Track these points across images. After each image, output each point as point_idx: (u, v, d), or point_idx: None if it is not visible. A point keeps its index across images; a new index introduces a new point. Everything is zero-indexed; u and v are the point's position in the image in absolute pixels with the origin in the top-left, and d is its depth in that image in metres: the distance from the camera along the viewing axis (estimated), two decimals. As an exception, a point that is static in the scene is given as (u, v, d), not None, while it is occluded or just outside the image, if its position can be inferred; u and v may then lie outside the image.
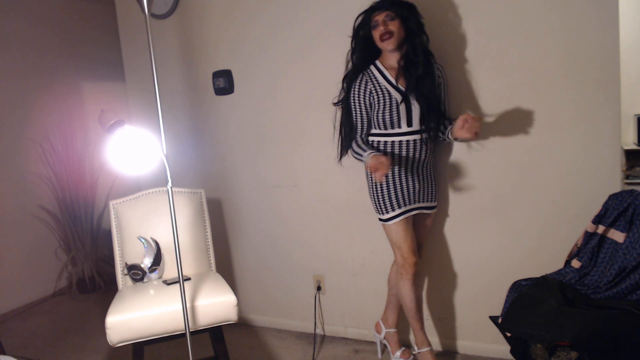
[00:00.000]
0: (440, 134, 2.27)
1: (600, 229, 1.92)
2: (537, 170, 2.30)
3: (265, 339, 2.96)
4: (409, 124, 2.18)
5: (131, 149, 1.86)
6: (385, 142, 2.21)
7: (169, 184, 1.89)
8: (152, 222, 2.47)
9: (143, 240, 2.43)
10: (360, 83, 2.20)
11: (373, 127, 2.25)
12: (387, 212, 2.23)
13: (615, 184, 2.16)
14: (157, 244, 2.45)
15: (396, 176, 2.22)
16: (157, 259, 2.44)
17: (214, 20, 2.92)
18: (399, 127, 2.18)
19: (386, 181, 2.22)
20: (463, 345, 2.58)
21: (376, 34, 2.13)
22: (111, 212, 2.51)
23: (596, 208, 2.00)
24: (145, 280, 2.43)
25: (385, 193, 2.23)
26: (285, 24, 2.73)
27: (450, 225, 2.51)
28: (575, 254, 2.01)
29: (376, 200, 2.25)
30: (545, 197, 2.30)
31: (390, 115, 2.17)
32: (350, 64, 2.29)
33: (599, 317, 1.65)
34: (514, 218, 2.37)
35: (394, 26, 2.09)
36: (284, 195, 2.90)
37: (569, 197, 2.26)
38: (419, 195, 2.25)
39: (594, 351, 1.57)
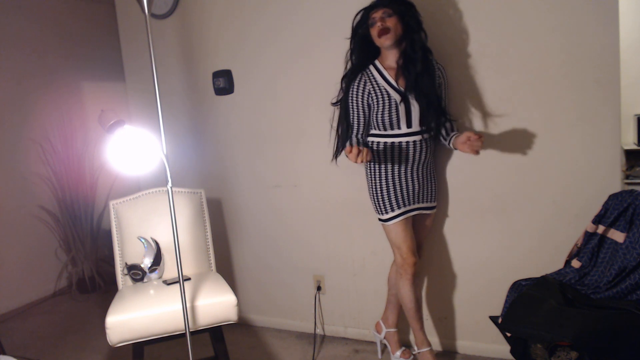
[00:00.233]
0: (442, 138, 2.27)
1: (600, 229, 1.92)
2: (537, 170, 2.30)
3: (265, 339, 2.96)
4: (409, 125, 2.18)
5: (131, 149, 1.86)
6: (385, 142, 2.21)
7: (169, 184, 1.89)
8: (152, 222, 2.47)
9: (143, 240, 2.43)
10: (358, 83, 2.20)
11: (372, 127, 2.24)
12: (387, 213, 2.23)
13: (615, 184, 2.16)
14: (157, 244, 2.45)
15: (396, 177, 2.22)
16: (157, 259, 2.44)
17: (214, 20, 2.92)
18: (399, 128, 2.18)
19: (386, 181, 2.22)
20: (463, 345, 2.58)
21: (374, 31, 2.13)
22: (111, 212, 2.51)
23: (596, 208, 2.00)
24: (145, 280, 2.43)
25: (385, 193, 2.23)
26: (285, 24, 2.73)
27: (450, 225, 2.51)
28: (575, 254, 2.01)
29: (376, 200, 2.25)
30: (545, 197, 2.30)
31: (389, 115, 2.16)
32: (349, 64, 2.28)
33: (599, 317, 1.65)
34: (514, 218, 2.37)
35: (391, 23, 2.09)
36: (284, 195, 2.90)
37: (569, 197, 2.26)
38: (418, 195, 2.25)
39: (594, 351, 1.57)
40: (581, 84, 2.17)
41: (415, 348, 2.36)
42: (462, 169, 2.43)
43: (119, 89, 3.73)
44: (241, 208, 3.06)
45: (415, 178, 2.23)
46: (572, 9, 2.13)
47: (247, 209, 3.04)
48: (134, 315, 2.05)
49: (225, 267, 3.14)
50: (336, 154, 2.32)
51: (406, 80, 2.15)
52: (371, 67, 2.21)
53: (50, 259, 3.94)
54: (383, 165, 2.23)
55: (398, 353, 2.46)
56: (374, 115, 2.20)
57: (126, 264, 2.44)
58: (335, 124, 2.35)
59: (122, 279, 2.45)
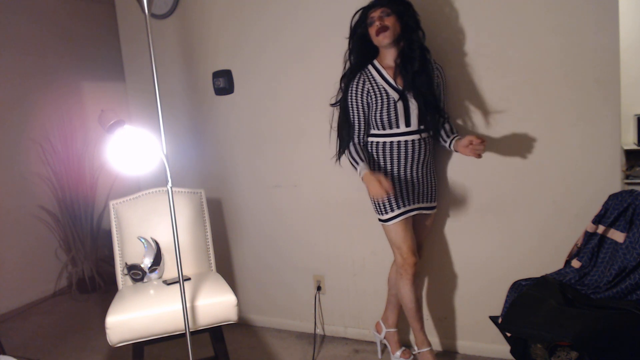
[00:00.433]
0: (442, 140, 2.27)
1: (600, 229, 1.92)
2: (537, 170, 2.30)
3: (265, 339, 2.96)
4: (407, 124, 2.18)
5: (131, 149, 1.86)
6: (384, 142, 2.21)
7: (169, 184, 1.89)
8: (152, 222, 2.47)
9: (143, 240, 2.43)
10: (357, 83, 2.20)
11: (372, 127, 2.24)
12: (387, 213, 2.23)
13: (615, 184, 2.16)
14: (157, 244, 2.45)
15: (395, 176, 2.22)
16: (157, 259, 2.44)
17: (214, 20, 2.92)
18: (397, 127, 2.18)
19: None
20: (463, 345, 2.58)
21: (372, 31, 2.13)
22: (111, 212, 2.51)
23: (596, 208, 2.00)
24: (145, 280, 2.43)
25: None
26: (285, 24, 2.73)
27: (450, 225, 2.51)
28: (575, 254, 2.01)
29: (375, 200, 2.25)
30: (545, 197, 2.30)
31: (388, 114, 2.17)
32: (347, 64, 2.28)
33: (599, 317, 1.65)
34: (514, 218, 2.37)
35: (389, 22, 2.10)
36: (284, 195, 2.90)
37: (569, 197, 2.26)
38: (418, 195, 2.25)
39: (594, 351, 1.57)
40: (581, 84, 2.17)
41: (416, 348, 2.36)
42: (462, 169, 2.43)
43: (119, 89, 3.73)
44: (241, 208, 3.06)
45: (414, 178, 2.23)
46: (572, 9, 2.13)
47: (247, 209, 3.04)
48: (134, 315, 2.05)
49: (225, 267, 3.14)
50: (339, 155, 2.31)
51: (404, 79, 2.15)
52: (370, 67, 2.22)
53: (50, 259, 3.94)
54: (382, 165, 2.23)
55: (398, 353, 2.46)
56: (373, 115, 2.20)
57: (126, 264, 2.44)
58: (335, 124, 2.35)
59: (122, 279, 2.45)
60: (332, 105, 2.35)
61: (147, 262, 2.42)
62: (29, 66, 3.82)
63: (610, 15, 2.08)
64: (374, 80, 2.19)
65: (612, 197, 1.94)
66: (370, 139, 2.26)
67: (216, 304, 2.14)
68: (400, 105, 2.16)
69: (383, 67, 2.20)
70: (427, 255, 2.55)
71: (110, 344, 2.06)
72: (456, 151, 2.20)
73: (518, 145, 2.32)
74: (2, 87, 3.65)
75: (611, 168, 2.18)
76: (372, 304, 2.75)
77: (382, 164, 2.23)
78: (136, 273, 2.41)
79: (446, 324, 2.60)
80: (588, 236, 1.96)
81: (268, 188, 2.95)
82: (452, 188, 2.47)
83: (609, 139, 2.16)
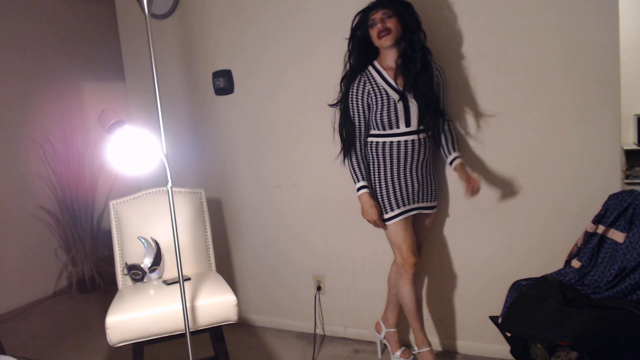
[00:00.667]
0: (442, 150, 2.31)
1: (600, 229, 1.92)
2: (537, 170, 2.30)
3: (265, 339, 2.96)
4: (407, 124, 2.18)
5: (131, 149, 1.86)
6: (384, 142, 2.21)
7: (169, 184, 1.89)
8: (152, 222, 2.47)
9: (143, 240, 2.43)
10: (358, 84, 2.20)
11: (372, 127, 2.25)
12: (386, 212, 2.23)
13: (615, 184, 2.16)
14: (157, 244, 2.45)
15: (395, 176, 2.22)
16: (157, 259, 2.44)
17: (214, 20, 2.92)
18: (397, 127, 2.18)
19: (385, 181, 2.22)
20: (463, 345, 2.58)
21: (373, 32, 2.13)
22: (111, 212, 2.51)
23: (596, 208, 2.00)
24: (145, 280, 2.43)
25: (384, 193, 2.23)
26: (285, 24, 2.73)
27: (450, 225, 2.51)
28: (575, 254, 2.01)
29: (375, 200, 2.25)
30: (545, 197, 2.30)
31: (388, 115, 2.17)
32: (348, 65, 2.28)
33: (599, 317, 1.65)
34: (514, 218, 2.37)
35: (391, 23, 2.10)
36: (284, 195, 2.90)
37: (569, 197, 2.26)
38: (418, 195, 2.25)
39: (594, 351, 1.57)
40: (581, 84, 2.17)
41: (415, 348, 2.36)
42: (462, 169, 2.43)
43: (119, 89, 3.73)
44: (241, 208, 3.06)
45: (414, 177, 2.23)
46: (572, 9, 2.13)
47: (247, 209, 3.04)
48: (134, 315, 2.05)
49: (225, 267, 3.14)
50: (344, 156, 2.30)
51: (405, 80, 2.16)
52: (370, 68, 2.22)
53: (50, 259, 3.94)
54: (382, 165, 2.23)
55: (398, 353, 2.46)
56: (373, 115, 2.20)
57: (126, 264, 2.44)
58: (336, 125, 2.35)
59: (122, 279, 2.45)
60: (331, 105, 2.35)
61: (147, 262, 2.42)
62: (29, 66, 3.82)
63: (610, 15, 2.08)
64: (374, 81, 2.19)
65: (612, 197, 1.94)
66: (370, 139, 2.26)
67: (216, 304, 2.14)
68: (400, 105, 2.16)
69: (383, 68, 2.20)
70: (427, 255, 2.55)
71: (110, 344, 2.06)
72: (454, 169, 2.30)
73: (518, 145, 2.32)
74: (2, 87, 3.65)
75: (611, 168, 2.18)
76: (372, 304, 2.75)
77: (382, 164, 2.23)
78: (136, 273, 2.41)
79: (446, 324, 2.60)
80: (588, 236, 1.96)
81: (268, 188, 2.95)
82: (452, 188, 2.47)
83: (609, 139, 2.16)
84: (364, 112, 2.22)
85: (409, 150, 2.20)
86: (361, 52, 2.23)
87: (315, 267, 2.89)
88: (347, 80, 2.25)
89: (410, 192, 2.23)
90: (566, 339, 1.61)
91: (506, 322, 1.85)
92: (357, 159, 2.25)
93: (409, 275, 2.24)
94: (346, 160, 2.30)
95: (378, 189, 2.24)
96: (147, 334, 2.08)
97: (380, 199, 2.24)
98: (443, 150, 2.32)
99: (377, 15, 2.11)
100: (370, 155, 2.27)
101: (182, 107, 3.12)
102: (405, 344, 2.61)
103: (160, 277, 2.45)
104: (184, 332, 2.08)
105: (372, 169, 2.26)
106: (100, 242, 4.01)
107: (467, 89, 2.36)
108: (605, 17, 2.09)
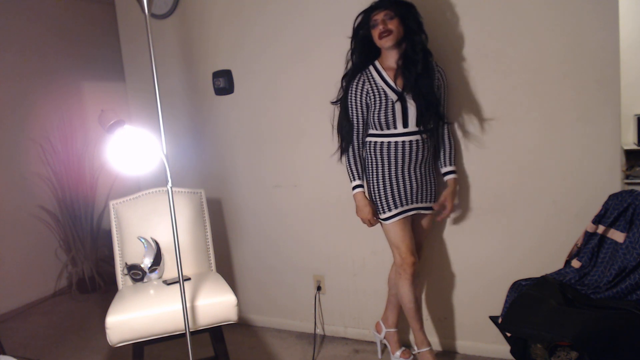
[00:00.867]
0: (439, 158, 2.34)
1: (600, 229, 1.92)
2: (537, 170, 2.30)
3: (265, 339, 2.96)
4: (405, 125, 2.18)
5: (131, 149, 1.86)
6: (382, 142, 2.22)
7: (169, 184, 1.89)
8: (152, 222, 2.47)
9: (143, 240, 2.43)
10: (357, 83, 2.21)
11: (370, 127, 2.25)
12: (385, 212, 2.23)
13: (615, 184, 2.16)
14: (157, 244, 2.45)
15: (393, 176, 2.22)
16: (157, 259, 2.44)
17: (214, 20, 2.92)
18: (395, 127, 2.18)
19: (383, 181, 2.23)
20: (463, 345, 2.58)
21: (375, 33, 2.14)
22: (111, 212, 2.51)
23: (596, 208, 2.00)
24: (145, 280, 2.43)
25: (383, 193, 2.23)
26: (285, 24, 2.73)
27: (450, 225, 2.51)
28: (575, 254, 2.01)
29: (374, 200, 2.26)
30: (545, 197, 2.30)
31: (385, 115, 2.17)
32: (349, 64, 2.29)
33: (599, 317, 1.65)
34: (514, 218, 2.37)
35: (393, 25, 2.10)
36: (284, 195, 2.90)
37: (569, 197, 2.26)
38: (416, 195, 2.25)
39: (594, 351, 1.57)
40: (581, 83, 2.17)
41: (415, 348, 2.36)
42: (462, 169, 2.43)
43: (119, 89, 3.73)
44: (241, 208, 3.06)
45: (412, 177, 2.23)
46: (572, 9, 2.13)
47: (247, 209, 3.04)
48: (134, 315, 2.05)
49: (225, 267, 3.14)
50: (341, 153, 2.32)
51: (405, 81, 2.16)
52: (370, 67, 2.22)
53: (50, 259, 3.94)
54: (380, 165, 2.23)
55: (398, 353, 2.46)
56: (372, 115, 2.20)
57: (126, 264, 2.44)
58: (335, 122, 2.36)
59: (122, 279, 2.45)
60: (332, 103, 2.36)
61: (147, 262, 2.42)
62: (29, 66, 3.82)
63: (610, 15, 2.08)
64: (374, 81, 2.19)
65: (612, 197, 1.94)
66: (368, 138, 2.26)
67: (216, 304, 2.14)
68: (398, 106, 2.16)
69: (384, 68, 2.20)
70: (427, 255, 2.55)
71: (110, 344, 2.06)
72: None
73: (518, 145, 2.32)
74: (2, 87, 3.65)
75: (611, 168, 2.18)
76: (372, 304, 2.75)
77: (380, 163, 2.23)
78: (136, 273, 2.41)
79: (446, 324, 2.60)
80: (588, 236, 1.96)
81: (268, 188, 2.95)
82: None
83: (609, 139, 2.16)
84: (362, 111, 2.22)
85: (407, 151, 2.20)
86: (363, 51, 2.24)
87: (315, 267, 2.89)
88: (348, 78, 2.26)
89: (408, 192, 2.23)
90: (566, 339, 1.61)
91: (506, 322, 1.85)
92: (354, 157, 2.27)
93: (408, 275, 2.24)
94: (343, 158, 2.31)
95: (376, 189, 2.24)
96: (147, 334, 2.08)
97: (378, 199, 2.24)
98: (439, 159, 2.34)
99: (379, 16, 2.11)
100: (369, 155, 2.27)
101: (182, 107, 3.12)
102: (405, 344, 2.61)
103: (160, 277, 2.45)
104: (184, 332, 2.08)
105: (370, 168, 2.26)
106: (100, 242, 4.01)
107: (466, 89, 2.36)
108: (605, 17, 2.09)
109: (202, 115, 3.07)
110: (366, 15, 2.18)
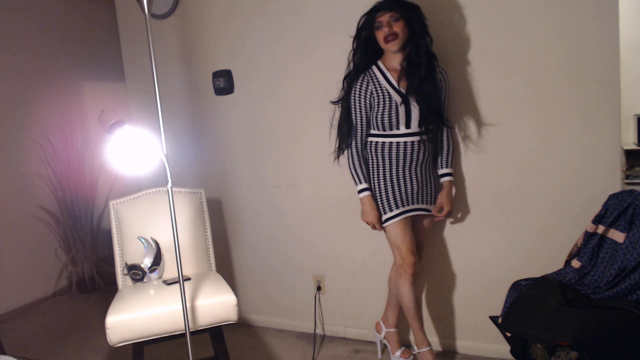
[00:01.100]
0: (438, 161, 2.33)
1: (600, 229, 1.92)
2: (537, 170, 2.30)
3: (265, 339, 2.96)
4: (407, 126, 2.18)
5: (131, 149, 1.86)
6: (384, 142, 2.22)
7: (169, 184, 1.89)
8: (152, 222, 2.47)
9: (143, 240, 2.43)
10: (361, 83, 2.20)
11: (372, 127, 2.25)
12: (385, 213, 2.23)
13: (615, 184, 2.16)
14: (157, 244, 2.45)
15: (394, 177, 2.22)
16: (157, 259, 2.44)
17: (214, 20, 2.92)
18: (397, 128, 2.18)
19: (384, 182, 2.23)
20: (463, 345, 2.58)
21: (380, 35, 2.13)
22: (111, 212, 2.51)
23: (596, 208, 2.00)
24: (145, 280, 2.43)
25: (384, 194, 2.23)
26: (285, 24, 2.73)
27: (450, 225, 2.51)
28: (575, 254, 2.01)
29: (375, 200, 2.25)
30: (545, 197, 2.30)
31: (389, 116, 2.17)
32: (351, 64, 2.28)
33: (599, 317, 1.65)
34: (514, 218, 2.37)
35: (398, 27, 2.09)
36: (284, 195, 2.90)
37: (569, 197, 2.26)
38: (417, 196, 2.25)
39: (594, 351, 1.57)
40: (581, 83, 2.17)
41: (415, 348, 2.36)
42: (462, 169, 2.43)
43: (119, 89, 3.73)
44: (241, 208, 3.06)
45: (413, 178, 2.23)
46: (572, 9, 2.13)
47: (247, 209, 3.04)
48: (134, 315, 2.05)
49: (225, 267, 3.14)
50: (338, 153, 2.32)
51: (409, 83, 2.15)
52: (374, 68, 2.21)
53: (50, 259, 3.94)
54: (381, 165, 2.23)
55: (398, 353, 2.46)
56: (374, 115, 2.20)
57: (126, 264, 2.44)
58: (335, 123, 2.35)
59: (122, 279, 2.45)
60: (333, 103, 2.35)
61: (147, 262, 2.42)
62: (29, 66, 3.82)
63: (610, 15, 2.08)
64: (378, 81, 2.19)
65: (612, 197, 1.94)
66: (370, 139, 2.26)
67: (216, 304, 2.14)
68: (402, 108, 2.16)
69: (387, 69, 2.20)
70: (427, 255, 2.55)
71: (110, 344, 2.06)
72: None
73: (518, 145, 2.32)
74: (2, 87, 3.65)
75: (611, 168, 2.18)
76: (372, 304, 2.75)
77: (381, 164, 2.23)
78: (136, 273, 2.41)
79: (446, 324, 2.60)
80: (588, 236, 1.96)
81: (268, 188, 2.95)
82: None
83: (609, 139, 2.16)
84: (365, 111, 2.22)
85: (408, 152, 2.20)
86: (366, 52, 2.23)
87: (315, 267, 2.89)
88: (350, 79, 2.25)
89: (409, 193, 2.23)
90: (566, 339, 1.61)
91: (506, 322, 1.85)
92: (358, 160, 2.26)
93: (408, 275, 2.24)
94: (342, 159, 2.31)
95: (377, 189, 2.24)
96: (147, 334, 2.08)
97: (379, 199, 2.24)
98: (438, 162, 2.35)
99: (384, 18, 2.10)
100: (370, 155, 2.27)
101: (182, 107, 3.12)
102: (405, 344, 2.61)
103: (160, 277, 2.45)
104: (184, 332, 2.08)
105: (371, 169, 2.26)
106: (100, 242, 4.01)
107: (466, 89, 2.36)
108: (605, 17, 2.09)
109: (202, 115, 3.07)
110: (370, 16, 2.16)
